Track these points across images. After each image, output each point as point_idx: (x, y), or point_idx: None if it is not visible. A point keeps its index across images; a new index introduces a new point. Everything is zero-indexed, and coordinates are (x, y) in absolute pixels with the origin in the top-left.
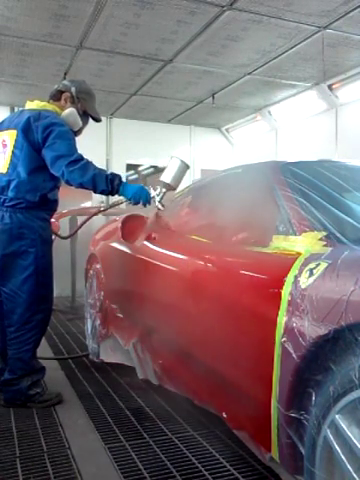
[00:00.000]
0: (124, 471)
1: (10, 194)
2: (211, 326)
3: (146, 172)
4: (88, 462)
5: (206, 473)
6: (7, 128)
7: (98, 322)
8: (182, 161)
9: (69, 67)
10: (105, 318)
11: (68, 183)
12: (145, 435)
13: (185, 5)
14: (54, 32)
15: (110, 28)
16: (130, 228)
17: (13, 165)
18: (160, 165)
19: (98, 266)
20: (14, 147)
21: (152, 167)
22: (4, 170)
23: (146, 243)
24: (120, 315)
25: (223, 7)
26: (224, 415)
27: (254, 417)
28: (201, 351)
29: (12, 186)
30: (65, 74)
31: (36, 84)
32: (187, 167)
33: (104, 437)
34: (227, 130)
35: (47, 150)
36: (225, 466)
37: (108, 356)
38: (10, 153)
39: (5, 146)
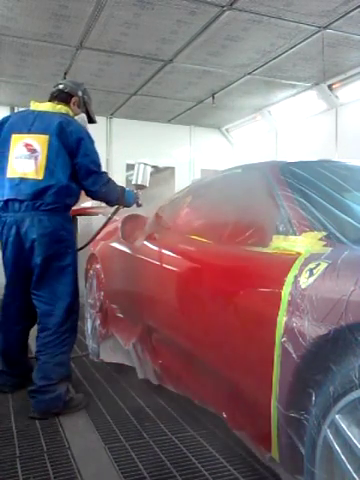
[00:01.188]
0: (124, 471)
1: (48, 199)
2: (211, 326)
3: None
4: (88, 462)
5: (206, 473)
6: (28, 131)
7: (98, 322)
8: (145, 164)
9: (69, 67)
10: (105, 318)
11: (91, 194)
12: (145, 435)
13: (185, 5)
14: (54, 32)
15: (110, 28)
16: (130, 228)
17: (49, 171)
18: (160, 165)
19: (98, 266)
20: (48, 152)
21: (152, 167)
22: (39, 176)
23: (146, 243)
24: (120, 315)
25: (223, 7)
26: (224, 415)
27: (254, 417)
28: (201, 351)
29: (51, 192)
30: (65, 74)
31: (36, 84)
32: (150, 167)
33: (104, 437)
34: (227, 130)
35: (81, 160)
36: (225, 466)
37: (108, 356)
38: (44, 159)
39: (33, 151)
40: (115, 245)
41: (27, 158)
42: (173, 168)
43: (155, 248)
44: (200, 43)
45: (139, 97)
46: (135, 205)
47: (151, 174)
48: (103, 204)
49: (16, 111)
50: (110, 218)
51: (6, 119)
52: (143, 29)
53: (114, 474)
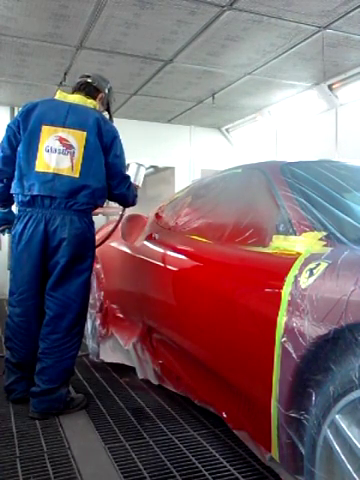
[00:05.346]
0: (124, 471)
1: (82, 199)
2: (211, 326)
3: (146, 172)
4: (88, 462)
5: (206, 473)
6: (62, 125)
7: (98, 322)
8: (138, 164)
9: (69, 67)
10: (105, 318)
11: (113, 195)
12: (145, 435)
13: (185, 5)
14: (54, 32)
15: (110, 28)
16: (130, 228)
17: (85, 169)
18: (160, 165)
19: (98, 266)
20: (85, 150)
21: (152, 167)
22: (75, 174)
23: (146, 243)
24: (120, 315)
25: (223, 7)
26: (224, 415)
27: (254, 417)
28: (201, 351)
29: (86, 192)
30: (65, 74)
31: (36, 84)
32: (144, 167)
33: (104, 437)
34: (227, 130)
35: (113, 161)
36: (225, 466)
37: (108, 356)
38: (81, 156)
39: (69, 147)
40: (115, 245)
41: (62, 153)
42: (173, 168)
43: (155, 248)
44: (200, 43)
45: (139, 97)
46: None
47: (146, 175)
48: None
49: (41, 99)
50: (121, 217)
51: (32, 107)
52: (143, 29)
53: (114, 474)
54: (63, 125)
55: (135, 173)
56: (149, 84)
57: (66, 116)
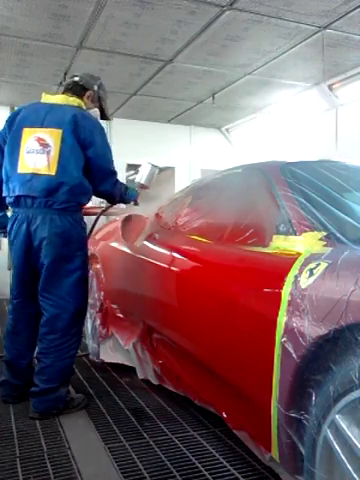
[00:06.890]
0: (124, 471)
1: (61, 197)
2: (211, 326)
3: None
4: (88, 462)
5: (206, 473)
6: (41, 125)
7: (98, 322)
8: (152, 165)
9: (69, 67)
10: (105, 318)
11: (97, 193)
12: (145, 435)
13: (185, 5)
14: (54, 32)
15: (110, 28)
16: (130, 228)
17: (62, 167)
18: (160, 165)
19: (98, 266)
20: (62, 147)
21: (159, 170)
22: (52, 172)
23: (146, 243)
24: (120, 315)
25: (223, 7)
26: (224, 415)
27: (254, 417)
28: (201, 351)
29: (64, 189)
30: (65, 74)
31: (36, 84)
32: (157, 169)
33: (104, 437)
34: (227, 130)
35: (94, 157)
36: (225, 466)
37: (108, 356)
38: (57, 154)
39: (46, 146)
40: (115, 245)
41: (39, 153)
42: (173, 168)
43: (155, 248)
44: (200, 43)
45: (139, 97)
46: (133, 203)
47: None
48: (102, 204)
49: (27, 104)
50: (101, 214)
51: (17, 112)
52: (143, 29)
53: (114, 474)
54: (41, 125)
55: (147, 173)
56: (149, 84)
57: (45, 117)
